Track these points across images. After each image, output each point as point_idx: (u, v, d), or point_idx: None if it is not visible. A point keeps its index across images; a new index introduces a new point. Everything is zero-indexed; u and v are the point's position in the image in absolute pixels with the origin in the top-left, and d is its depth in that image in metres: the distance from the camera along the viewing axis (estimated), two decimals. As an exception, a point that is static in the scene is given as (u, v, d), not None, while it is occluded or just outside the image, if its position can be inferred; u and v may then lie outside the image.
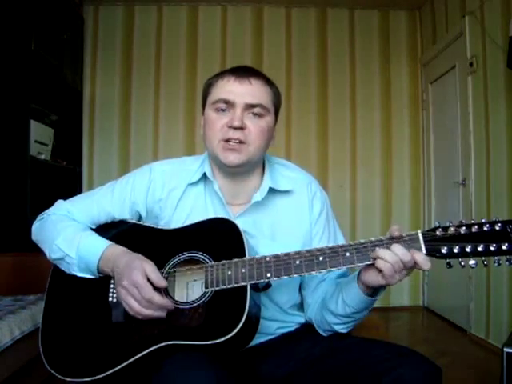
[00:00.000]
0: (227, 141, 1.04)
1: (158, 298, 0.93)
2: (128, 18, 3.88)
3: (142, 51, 3.87)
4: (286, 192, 1.13)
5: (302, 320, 1.16)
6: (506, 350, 1.63)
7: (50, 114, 3.14)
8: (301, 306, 1.18)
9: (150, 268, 0.96)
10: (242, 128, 1.03)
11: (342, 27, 3.94)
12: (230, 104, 1.05)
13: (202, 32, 3.89)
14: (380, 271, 0.90)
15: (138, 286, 0.94)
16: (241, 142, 1.04)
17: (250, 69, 1.11)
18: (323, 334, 1.10)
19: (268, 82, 1.10)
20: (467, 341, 2.91)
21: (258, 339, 1.05)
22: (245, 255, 0.97)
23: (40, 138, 2.93)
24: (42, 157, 2.98)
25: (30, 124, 2.79)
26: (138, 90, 3.86)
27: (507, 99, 2.61)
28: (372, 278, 0.94)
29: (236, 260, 0.96)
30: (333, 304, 1.04)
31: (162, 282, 0.96)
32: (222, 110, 1.06)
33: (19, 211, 2.72)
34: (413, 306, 3.79)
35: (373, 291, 0.98)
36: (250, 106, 1.05)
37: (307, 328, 1.15)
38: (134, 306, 0.94)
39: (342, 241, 1.19)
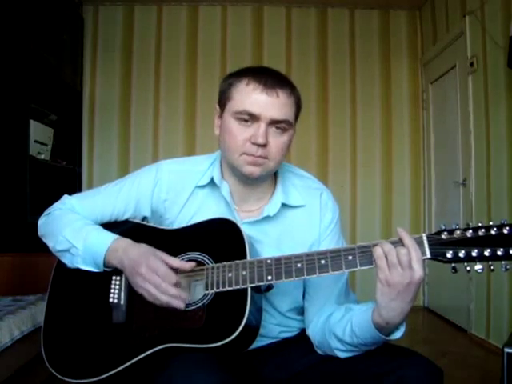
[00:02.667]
0: (248, 154, 1.00)
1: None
2: (128, 18, 3.88)
3: (142, 51, 3.86)
4: (298, 206, 1.10)
5: (303, 325, 1.14)
6: (506, 350, 1.62)
7: (50, 114, 3.14)
8: (303, 312, 1.15)
9: (166, 255, 0.97)
10: (265, 145, 1.00)
11: (342, 27, 3.94)
12: (254, 117, 0.99)
13: (202, 32, 3.89)
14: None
15: (159, 271, 0.94)
16: (262, 157, 1.01)
17: (276, 75, 1.05)
18: (321, 353, 1.04)
19: (292, 90, 1.05)
20: (467, 341, 2.91)
21: (261, 342, 1.04)
22: (246, 256, 0.95)
23: (40, 137, 2.93)
24: (42, 157, 2.98)
25: (29, 124, 2.80)
26: (138, 90, 3.85)
27: (507, 99, 2.60)
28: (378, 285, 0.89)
29: (237, 262, 0.95)
30: (340, 330, 0.98)
31: (186, 265, 0.96)
32: (245, 121, 1.00)
33: (19, 211, 2.72)
34: (413, 306, 3.77)
35: (385, 325, 0.90)
36: (274, 122, 1.00)
37: None
38: (153, 292, 0.93)
39: None
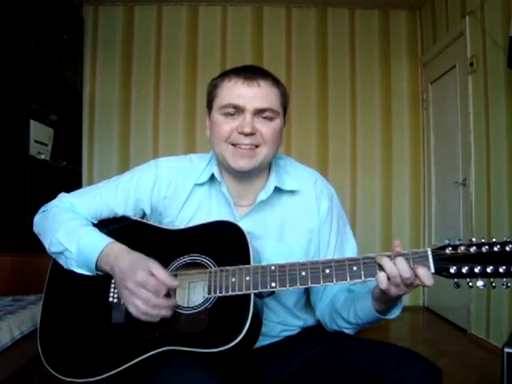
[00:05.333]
0: (236, 145, 1.02)
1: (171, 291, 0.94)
2: (128, 17, 3.88)
3: (141, 51, 3.86)
4: (292, 191, 1.11)
5: (303, 323, 1.15)
6: (506, 350, 1.62)
7: (50, 114, 3.14)
8: (305, 307, 1.17)
9: (156, 267, 0.94)
10: (252, 133, 1.01)
11: (342, 27, 3.94)
12: (239, 109, 1.02)
13: (202, 32, 3.89)
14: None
15: (148, 285, 0.91)
16: (253, 147, 1.02)
17: (257, 69, 1.07)
18: (329, 331, 1.10)
19: (276, 82, 1.07)
20: (467, 341, 2.91)
21: (261, 341, 1.04)
22: (249, 261, 0.95)
23: (40, 137, 2.93)
24: (42, 157, 2.98)
25: (29, 124, 2.80)
26: (138, 90, 3.85)
27: (507, 99, 2.60)
28: (377, 289, 0.91)
29: (240, 267, 0.94)
30: (345, 312, 1.03)
31: (173, 282, 0.93)
32: (231, 114, 1.03)
33: (19, 211, 2.72)
34: (413, 306, 3.79)
35: (385, 308, 0.95)
36: (259, 111, 1.02)
37: (309, 331, 1.15)
38: (141, 308, 0.91)
39: (350, 237, 1.17)
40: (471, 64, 2.96)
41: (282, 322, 1.11)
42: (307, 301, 1.18)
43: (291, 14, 3.93)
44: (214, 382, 0.82)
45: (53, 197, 1.18)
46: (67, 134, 3.49)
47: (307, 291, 1.16)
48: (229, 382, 0.85)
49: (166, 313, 0.92)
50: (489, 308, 2.78)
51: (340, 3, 3.88)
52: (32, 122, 2.83)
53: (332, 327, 1.08)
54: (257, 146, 1.02)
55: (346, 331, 1.06)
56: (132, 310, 0.93)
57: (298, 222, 1.10)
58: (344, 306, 1.03)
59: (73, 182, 3.53)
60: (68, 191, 1.20)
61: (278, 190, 1.09)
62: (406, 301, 3.78)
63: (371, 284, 0.96)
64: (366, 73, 3.92)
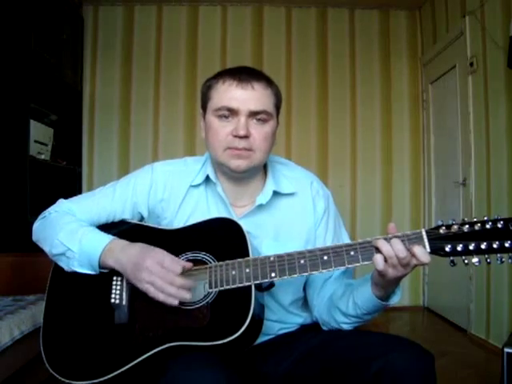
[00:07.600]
0: (231, 148, 1.04)
1: (187, 265, 0.96)
2: (128, 17, 3.88)
3: (141, 51, 3.86)
4: (290, 194, 1.13)
5: (303, 321, 1.16)
6: (506, 350, 1.63)
7: (50, 114, 3.14)
8: (303, 305, 1.18)
9: (166, 252, 0.97)
10: (246, 136, 1.02)
11: (342, 27, 3.94)
12: (233, 111, 1.03)
13: (202, 32, 3.89)
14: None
15: (164, 262, 0.94)
16: (247, 150, 1.03)
17: (251, 71, 1.08)
18: (327, 330, 1.10)
19: (269, 83, 1.08)
20: (467, 341, 2.91)
21: (260, 339, 1.05)
22: (248, 255, 0.96)
23: (40, 137, 2.93)
24: (42, 157, 2.98)
25: (29, 124, 2.80)
26: (138, 90, 3.85)
27: (507, 99, 2.60)
28: (375, 272, 0.94)
29: (240, 260, 0.96)
30: (343, 304, 1.04)
31: (185, 264, 0.96)
32: (225, 117, 1.04)
33: (19, 211, 2.72)
34: (413, 306, 3.78)
35: (384, 294, 0.97)
36: (253, 113, 1.03)
37: (306, 328, 1.15)
38: (160, 284, 0.93)
39: (346, 239, 1.19)
40: (471, 64, 2.97)
41: (279, 319, 1.12)
42: (304, 300, 1.18)
43: (291, 14, 3.93)
44: (220, 378, 0.82)
45: (53, 197, 1.19)
46: (67, 134, 3.49)
47: (305, 290, 1.16)
48: (233, 381, 0.85)
49: (183, 294, 0.93)
50: (489, 308, 2.78)
51: (340, 3, 3.88)
52: (32, 121, 2.83)
53: (330, 324, 1.08)
54: (250, 150, 1.04)
55: (345, 327, 1.05)
56: (150, 288, 0.94)
57: (295, 223, 1.12)
58: (342, 298, 1.05)
59: (73, 182, 3.53)
60: (68, 191, 1.21)
61: (275, 194, 1.11)
62: (406, 301, 3.78)
63: (369, 276, 0.98)
64: (365, 73, 3.92)
